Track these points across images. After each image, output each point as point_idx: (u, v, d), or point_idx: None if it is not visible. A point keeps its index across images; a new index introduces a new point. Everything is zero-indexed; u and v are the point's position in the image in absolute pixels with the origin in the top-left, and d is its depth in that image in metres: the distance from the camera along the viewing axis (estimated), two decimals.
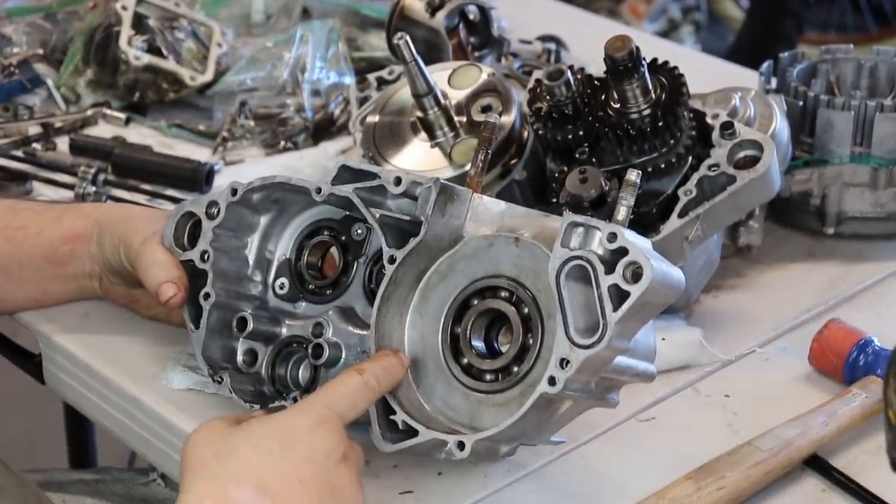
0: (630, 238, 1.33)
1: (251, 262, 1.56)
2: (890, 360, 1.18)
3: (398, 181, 1.44)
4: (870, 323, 1.70)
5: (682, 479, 1.45)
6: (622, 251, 1.32)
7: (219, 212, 1.53)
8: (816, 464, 1.52)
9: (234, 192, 1.53)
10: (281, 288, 1.56)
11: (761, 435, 1.51)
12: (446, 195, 1.44)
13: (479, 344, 1.44)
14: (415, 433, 1.40)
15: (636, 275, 1.31)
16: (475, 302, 1.44)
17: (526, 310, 1.41)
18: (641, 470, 1.51)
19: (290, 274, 1.56)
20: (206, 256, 1.53)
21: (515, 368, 1.41)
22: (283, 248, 1.57)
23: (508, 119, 1.72)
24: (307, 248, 1.56)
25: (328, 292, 1.54)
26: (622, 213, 1.38)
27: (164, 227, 1.57)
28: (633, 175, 1.38)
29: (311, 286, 1.55)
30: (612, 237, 1.32)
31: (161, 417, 1.58)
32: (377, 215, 1.45)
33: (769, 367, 1.70)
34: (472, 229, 1.46)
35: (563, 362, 1.32)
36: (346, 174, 1.48)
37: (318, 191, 1.48)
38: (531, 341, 1.40)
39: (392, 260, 1.43)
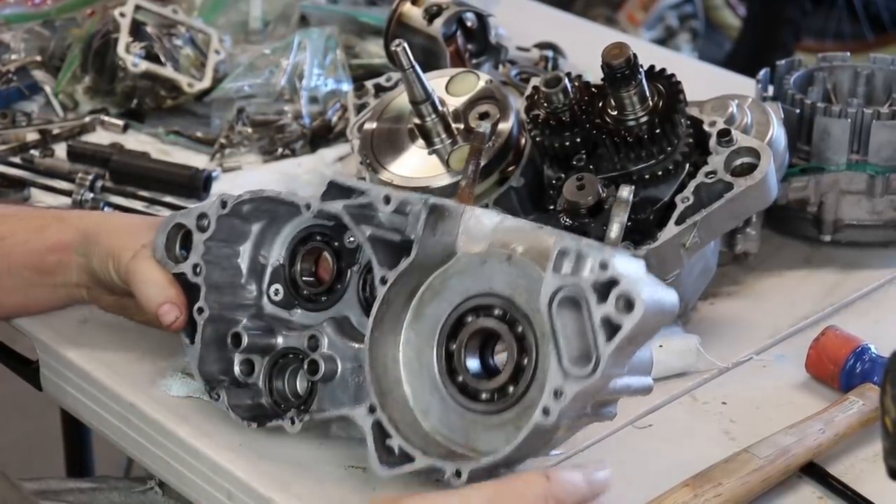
0: (621, 267, 1.29)
1: (244, 271, 1.55)
2: (886, 367, 1.18)
3: (388, 200, 1.42)
4: (867, 330, 1.70)
5: (679, 486, 1.45)
6: (614, 281, 1.28)
7: (209, 224, 1.52)
8: (813, 471, 1.52)
9: (223, 204, 1.52)
10: (276, 294, 1.56)
11: (758, 442, 1.51)
12: (437, 214, 1.42)
13: (473, 363, 1.42)
14: (411, 458, 1.40)
15: (628, 305, 1.27)
16: (470, 318, 1.42)
17: (520, 328, 1.39)
18: (638, 477, 1.51)
19: (284, 280, 1.55)
20: (198, 269, 1.52)
21: (511, 388, 1.39)
22: (275, 254, 1.56)
23: (506, 126, 1.72)
24: (300, 254, 1.55)
25: (323, 299, 1.53)
26: (615, 230, 1.35)
27: (154, 239, 1.55)
28: (626, 191, 1.35)
29: (305, 292, 1.55)
30: (604, 266, 1.29)
31: (159, 424, 1.58)
32: (367, 233, 1.43)
33: (766, 375, 1.70)
34: (465, 245, 1.44)
35: (557, 393, 1.31)
36: (335, 190, 1.47)
37: (308, 207, 1.47)
38: (526, 361, 1.38)
39: (384, 281, 1.42)
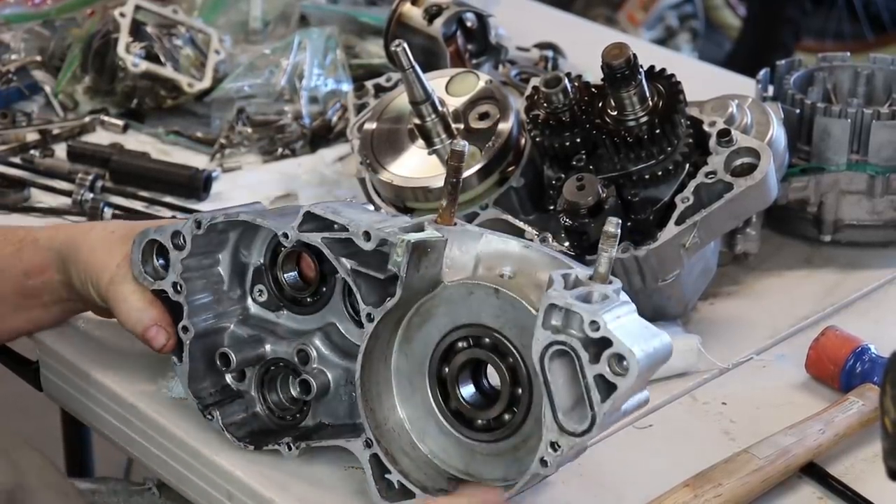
0: (612, 324, 1.26)
1: (226, 277, 1.53)
2: (886, 367, 1.18)
3: (368, 236, 1.38)
4: (866, 330, 1.70)
5: (679, 486, 1.45)
6: (606, 342, 1.26)
7: (185, 243, 1.49)
8: (813, 471, 1.52)
9: (198, 225, 1.48)
10: (260, 295, 1.54)
11: (758, 442, 1.51)
12: (419, 252, 1.38)
13: (467, 389, 1.42)
14: (411, 494, 1.40)
15: (623, 367, 1.26)
16: (460, 345, 1.40)
17: (511, 360, 1.37)
18: (639, 477, 1.51)
19: (267, 281, 1.53)
20: (178, 287, 1.51)
21: (507, 417, 1.38)
22: (256, 254, 1.54)
23: (506, 126, 1.72)
24: (281, 255, 1.52)
25: (308, 300, 1.51)
26: (604, 264, 1.31)
27: (130, 255, 1.53)
28: (612, 226, 1.30)
29: (289, 294, 1.52)
30: (595, 326, 1.26)
31: (159, 425, 1.58)
32: (349, 266, 1.40)
33: (766, 375, 1.70)
34: (451, 273, 1.41)
35: (554, 446, 1.31)
36: (312, 220, 1.43)
37: (286, 236, 1.43)
38: (520, 392, 1.37)
39: (370, 318, 1.39)
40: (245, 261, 1.54)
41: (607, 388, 1.27)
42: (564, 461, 1.33)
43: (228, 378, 1.54)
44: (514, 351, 1.37)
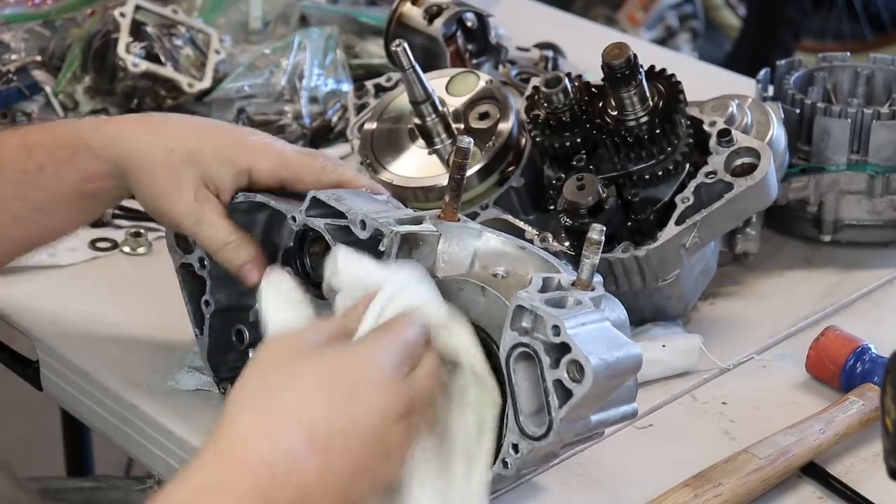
0: (573, 332, 1.26)
1: None
2: (887, 367, 1.18)
3: (363, 225, 1.40)
4: (867, 330, 1.70)
5: (679, 486, 1.45)
6: (565, 347, 1.26)
7: None
8: (813, 471, 1.52)
9: None
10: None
11: (758, 442, 1.51)
12: (410, 243, 1.39)
13: None
14: None
15: (579, 374, 1.25)
16: None
17: (494, 360, 1.36)
18: (638, 477, 1.51)
19: (294, 263, 1.54)
20: (203, 262, 1.54)
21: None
22: (286, 238, 1.55)
23: (506, 126, 1.72)
24: (308, 239, 1.53)
25: None
26: (586, 271, 1.31)
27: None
28: (596, 233, 1.30)
29: (314, 280, 1.53)
30: (556, 331, 1.26)
31: (158, 424, 1.58)
32: None
33: (766, 375, 1.70)
34: (445, 268, 1.41)
35: (516, 448, 1.31)
36: (317, 205, 1.45)
37: (294, 219, 1.46)
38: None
39: None
40: (278, 242, 1.56)
41: (565, 394, 1.27)
42: (526, 465, 1.33)
43: (251, 354, 1.55)
44: (497, 350, 1.37)
